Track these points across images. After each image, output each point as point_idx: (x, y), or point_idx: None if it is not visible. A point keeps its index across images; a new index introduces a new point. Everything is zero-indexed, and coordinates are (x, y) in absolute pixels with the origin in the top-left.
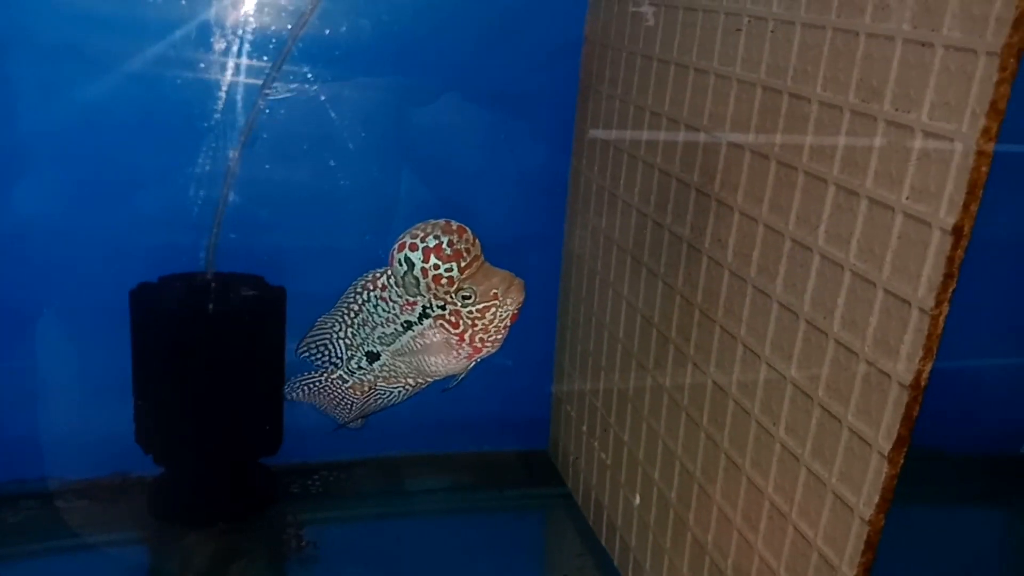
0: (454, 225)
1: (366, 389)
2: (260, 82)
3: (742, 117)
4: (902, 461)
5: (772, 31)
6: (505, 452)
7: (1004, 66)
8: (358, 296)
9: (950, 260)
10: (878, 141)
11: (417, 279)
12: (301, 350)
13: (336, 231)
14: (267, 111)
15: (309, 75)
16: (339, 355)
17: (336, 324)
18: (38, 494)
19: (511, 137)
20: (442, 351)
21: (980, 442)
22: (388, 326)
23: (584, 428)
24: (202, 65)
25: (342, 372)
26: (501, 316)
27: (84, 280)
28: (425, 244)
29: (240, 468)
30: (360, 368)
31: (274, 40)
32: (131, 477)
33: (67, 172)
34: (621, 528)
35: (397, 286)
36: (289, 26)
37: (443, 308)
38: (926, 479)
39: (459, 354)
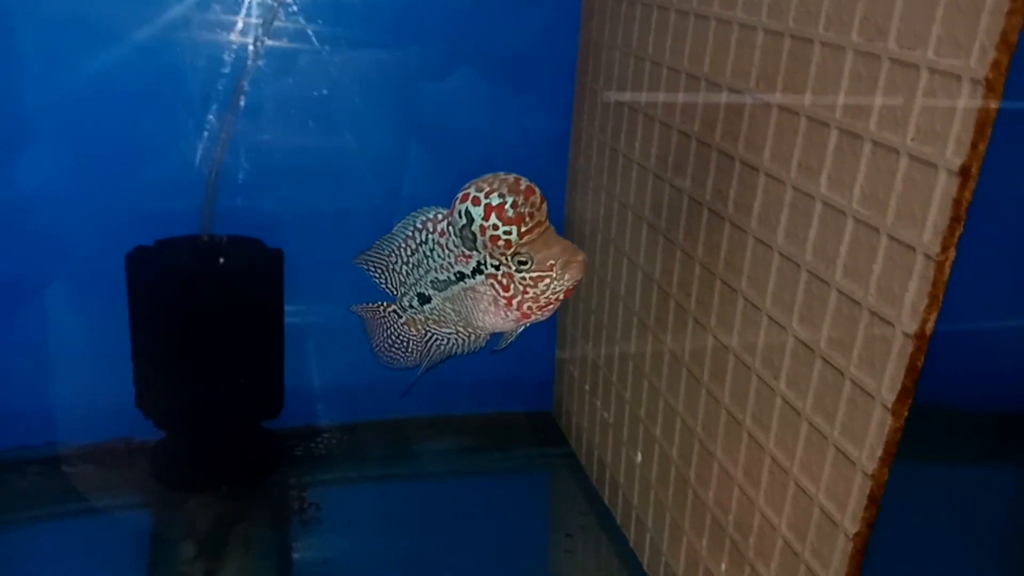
0: (523, 184)
1: (419, 328)
2: (250, 42)
3: (743, 63)
4: (906, 413)
5: None
6: (509, 413)
7: None
8: (416, 234)
9: (957, 203)
10: (882, 81)
11: (475, 235)
12: (361, 261)
13: (334, 194)
14: (260, 73)
15: (303, 36)
16: (392, 285)
17: (393, 254)
18: (43, 460)
19: (511, 96)
20: (490, 310)
21: (997, 399)
22: (441, 273)
23: (587, 387)
24: (193, 28)
25: (396, 307)
26: (554, 289)
27: (83, 247)
28: (488, 201)
29: (241, 431)
30: (412, 307)
31: (266, 1)
32: (134, 442)
33: (62, 141)
34: (624, 486)
35: (455, 235)
36: None
37: (497, 268)
38: (942, 436)
39: (506, 316)
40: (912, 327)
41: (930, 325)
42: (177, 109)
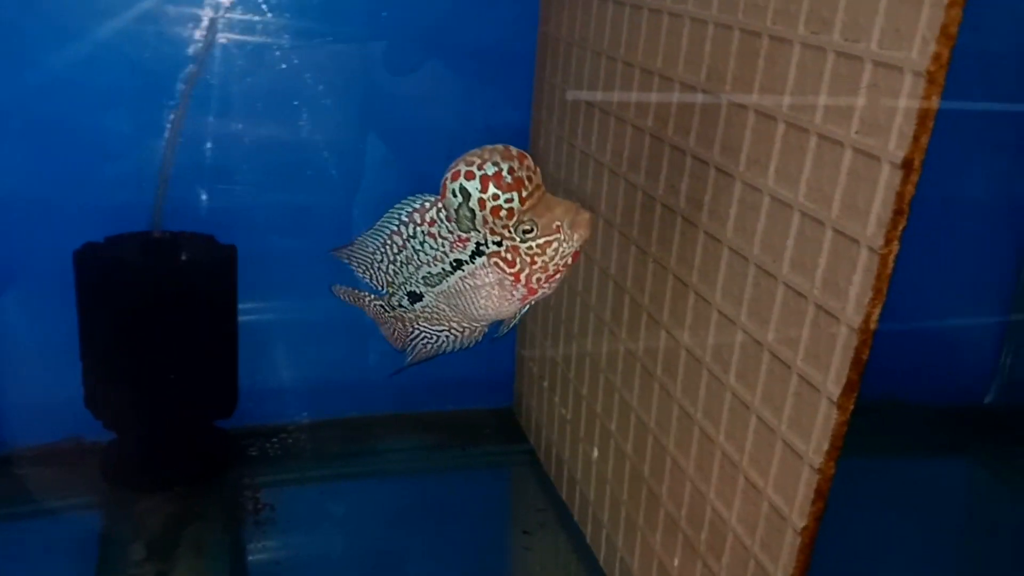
0: (514, 151)
1: (407, 325)
2: (203, 35)
3: (694, 57)
4: (852, 407)
5: None
6: (469, 410)
7: None
8: (403, 228)
9: (900, 196)
10: (827, 74)
11: (473, 211)
12: (337, 254)
13: (289, 189)
14: (213, 67)
15: (258, 29)
16: (379, 283)
17: (377, 252)
18: None
19: (472, 91)
20: (494, 293)
21: (946, 392)
22: (435, 265)
23: (545, 384)
24: (146, 23)
25: (382, 303)
26: (563, 253)
27: (31, 244)
28: (483, 172)
29: (193, 431)
30: (401, 306)
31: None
32: (86, 442)
33: (8, 137)
34: (581, 482)
35: (449, 220)
36: None
37: (499, 244)
38: (893, 429)
39: (512, 296)
40: (856, 320)
41: (874, 318)
42: (129, 104)
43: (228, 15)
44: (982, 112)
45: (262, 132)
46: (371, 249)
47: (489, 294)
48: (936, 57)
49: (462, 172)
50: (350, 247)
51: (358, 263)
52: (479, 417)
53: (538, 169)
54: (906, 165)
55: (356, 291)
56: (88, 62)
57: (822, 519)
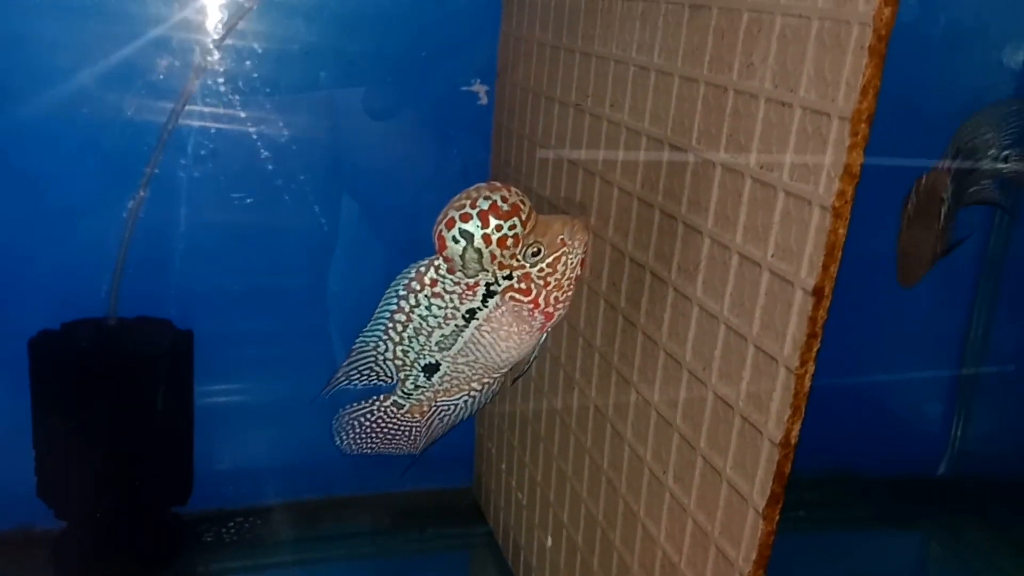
0: (495, 183)
1: (425, 409)
2: (163, 120)
3: (630, 164)
4: (777, 517)
5: (654, 81)
6: (429, 491)
7: (855, 131)
8: (403, 303)
9: (812, 320)
10: (745, 197)
11: (479, 251)
12: (338, 381)
13: (244, 272)
14: (169, 151)
15: (219, 115)
16: (388, 375)
17: (380, 344)
18: None
19: (430, 170)
20: (514, 330)
21: (898, 464)
22: (447, 325)
23: (503, 466)
24: (106, 102)
25: (396, 397)
26: (572, 264)
27: None
28: (478, 209)
29: (148, 518)
30: (418, 387)
31: (179, 76)
32: (36, 531)
33: None
34: (536, 570)
35: (452, 272)
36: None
37: (509, 277)
38: (845, 502)
39: (532, 328)
40: (777, 435)
41: (794, 434)
42: (85, 187)
43: (187, 105)
44: (926, 167)
45: (221, 215)
46: (371, 345)
47: (509, 333)
48: (841, 194)
49: (456, 217)
50: (344, 368)
51: (358, 372)
52: (438, 498)
53: (522, 193)
54: (817, 292)
55: (360, 406)
56: (45, 144)
57: None
